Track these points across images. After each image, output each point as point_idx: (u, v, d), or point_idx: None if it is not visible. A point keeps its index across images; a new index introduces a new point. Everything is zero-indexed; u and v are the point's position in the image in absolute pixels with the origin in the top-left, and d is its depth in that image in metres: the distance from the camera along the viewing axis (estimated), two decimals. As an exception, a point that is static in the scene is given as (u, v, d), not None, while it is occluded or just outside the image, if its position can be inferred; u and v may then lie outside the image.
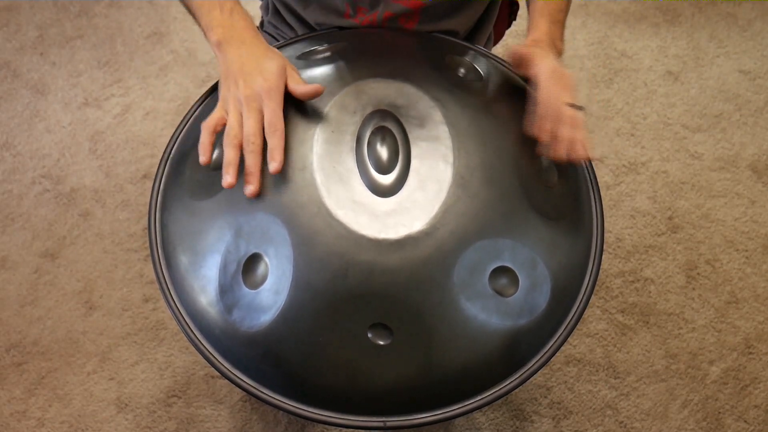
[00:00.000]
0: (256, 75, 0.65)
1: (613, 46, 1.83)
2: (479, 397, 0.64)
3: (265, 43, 0.70)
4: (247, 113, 0.63)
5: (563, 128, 0.68)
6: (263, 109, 0.63)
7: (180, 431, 1.28)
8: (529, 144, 0.70)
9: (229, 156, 0.63)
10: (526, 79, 0.74)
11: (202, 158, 0.64)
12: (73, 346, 1.36)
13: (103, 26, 1.85)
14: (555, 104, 0.69)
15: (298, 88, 0.66)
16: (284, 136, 0.63)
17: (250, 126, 0.63)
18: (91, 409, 1.30)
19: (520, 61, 0.74)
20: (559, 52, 0.76)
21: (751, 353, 1.37)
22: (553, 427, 1.29)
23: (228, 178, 0.62)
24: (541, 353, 0.66)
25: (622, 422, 1.30)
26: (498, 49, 1.00)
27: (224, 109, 0.65)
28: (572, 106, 0.69)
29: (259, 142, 0.63)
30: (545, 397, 1.32)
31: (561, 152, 0.69)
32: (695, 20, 1.90)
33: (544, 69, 0.70)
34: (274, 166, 0.63)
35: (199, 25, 0.72)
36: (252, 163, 0.62)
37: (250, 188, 0.63)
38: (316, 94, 0.66)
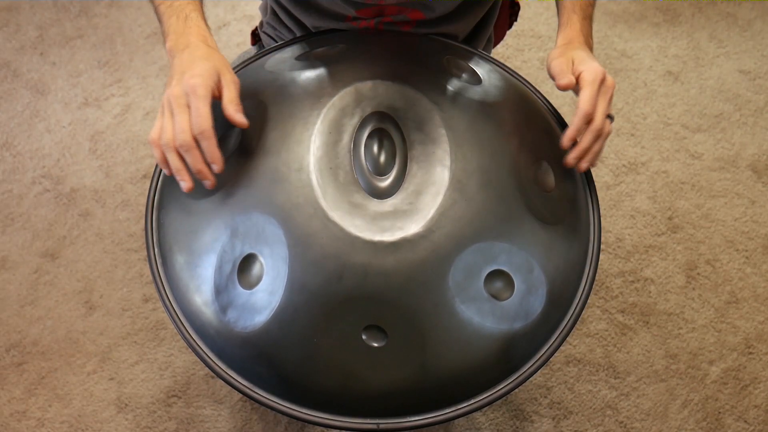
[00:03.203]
0: (186, 72, 0.62)
1: (613, 46, 1.83)
2: (473, 401, 0.64)
3: (210, 48, 0.67)
4: (175, 113, 0.61)
5: (587, 138, 0.68)
6: (190, 106, 0.61)
7: (180, 431, 1.28)
8: (526, 148, 0.70)
9: (173, 161, 0.61)
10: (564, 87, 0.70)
11: (166, 172, 0.63)
12: (73, 346, 1.36)
13: (103, 26, 1.85)
14: (597, 117, 0.68)
15: (230, 108, 0.63)
16: (214, 136, 0.61)
17: (178, 124, 0.60)
18: (91, 409, 1.30)
19: (561, 71, 0.70)
20: (591, 49, 0.75)
21: (751, 353, 1.37)
22: (553, 427, 1.29)
23: (183, 184, 0.62)
24: (536, 358, 0.66)
25: (622, 422, 1.30)
26: (498, 49, 1.00)
27: (161, 115, 0.64)
28: (608, 117, 0.69)
29: (189, 139, 0.60)
30: (545, 397, 1.32)
31: (571, 159, 0.69)
32: (695, 20, 1.90)
33: (589, 76, 0.68)
34: (215, 168, 0.61)
35: (162, 35, 0.71)
36: (191, 161, 0.61)
37: (206, 183, 0.62)
38: (239, 126, 0.63)
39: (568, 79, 0.69)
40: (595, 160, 0.70)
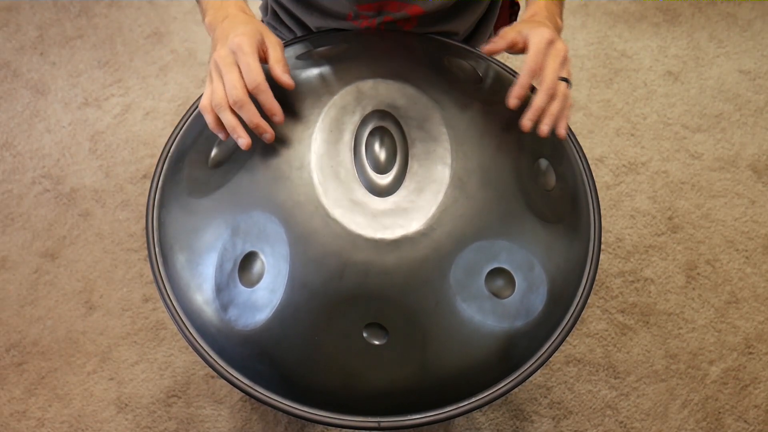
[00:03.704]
0: (230, 34, 0.63)
1: (613, 46, 1.83)
2: (474, 399, 0.64)
3: (249, 15, 0.68)
4: (224, 73, 0.61)
5: (539, 96, 0.65)
6: (239, 64, 0.61)
7: (180, 431, 1.28)
8: (527, 146, 0.70)
9: (227, 120, 0.61)
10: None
11: (221, 136, 0.63)
12: (73, 346, 1.36)
13: (103, 26, 1.85)
14: (546, 75, 0.66)
15: (277, 68, 0.63)
16: (269, 89, 0.61)
17: (230, 82, 0.60)
18: (91, 409, 1.30)
19: (514, 44, 0.70)
20: (558, 29, 0.73)
21: (751, 353, 1.37)
22: (553, 427, 1.29)
23: (241, 141, 0.61)
24: (537, 356, 0.66)
25: (622, 422, 1.30)
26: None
27: (209, 81, 0.64)
28: (562, 80, 0.67)
29: (243, 94, 0.60)
30: (545, 397, 1.32)
31: (525, 120, 0.66)
32: (695, 20, 1.90)
33: (536, 38, 0.67)
34: (276, 120, 0.62)
35: (201, 14, 0.72)
36: (248, 116, 0.61)
37: (266, 136, 0.62)
38: (287, 86, 0.64)
39: (492, 44, 0.70)
40: (558, 125, 0.66)
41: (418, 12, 0.81)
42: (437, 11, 0.83)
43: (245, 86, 0.61)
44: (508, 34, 0.70)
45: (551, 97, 0.66)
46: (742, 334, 1.39)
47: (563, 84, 0.67)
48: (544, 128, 0.66)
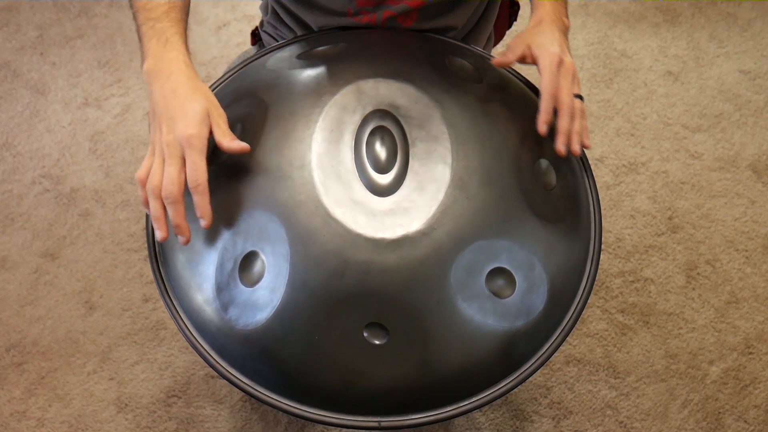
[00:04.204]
0: (179, 119, 0.61)
1: (613, 46, 1.83)
2: (474, 399, 0.64)
3: (192, 79, 0.66)
4: (167, 161, 0.61)
5: (562, 120, 0.69)
6: (185, 158, 0.61)
7: (180, 431, 1.28)
8: (527, 146, 0.70)
9: (153, 209, 0.61)
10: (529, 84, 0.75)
11: (147, 212, 0.63)
12: (73, 346, 1.36)
13: (103, 26, 1.85)
14: (563, 98, 0.70)
15: (225, 142, 0.62)
16: (207, 191, 0.60)
17: (169, 175, 0.60)
18: (91, 409, 1.30)
19: (523, 58, 0.74)
20: (566, 29, 0.76)
21: (751, 353, 1.37)
22: (553, 427, 1.29)
23: (158, 233, 0.62)
24: (538, 356, 0.66)
25: (622, 422, 1.30)
26: (498, 49, 1.00)
27: (151, 156, 0.63)
28: (576, 96, 0.71)
29: (177, 193, 0.60)
30: (545, 397, 1.32)
31: (559, 146, 0.70)
32: (695, 20, 1.90)
33: (546, 60, 0.71)
34: (202, 223, 0.61)
35: (140, 50, 0.69)
36: (173, 215, 0.61)
37: (181, 238, 0.62)
38: (243, 152, 0.63)
39: (502, 57, 0.74)
40: (585, 141, 0.71)
41: (418, 4, 0.81)
42: (437, 4, 0.83)
43: (183, 183, 0.60)
44: (518, 47, 0.74)
45: (572, 117, 0.70)
46: (742, 334, 1.39)
47: (578, 101, 0.71)
48: (576, 148, 0.71)
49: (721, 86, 1.77)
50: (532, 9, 0.78)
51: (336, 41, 0.80)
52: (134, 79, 1.75)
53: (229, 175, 0.65)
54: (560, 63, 0.70)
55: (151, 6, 0.69)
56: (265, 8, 0.98)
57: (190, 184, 0.60)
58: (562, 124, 0.70)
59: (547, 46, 0.72)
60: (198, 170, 0.60)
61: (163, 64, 0.65)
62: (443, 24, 0.86)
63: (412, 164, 0.65)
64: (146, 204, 0.62)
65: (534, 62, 0.72)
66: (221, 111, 0.65)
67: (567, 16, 0.78)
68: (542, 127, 0.70)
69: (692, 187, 1.58)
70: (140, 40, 0.69)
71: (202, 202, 0.60)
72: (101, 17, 1.87)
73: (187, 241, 0.62)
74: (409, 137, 0.67)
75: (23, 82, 1.74)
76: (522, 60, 0.74)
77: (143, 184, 0.62)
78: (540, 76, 0.71)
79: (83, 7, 1.89)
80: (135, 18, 0.71)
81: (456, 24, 0.88)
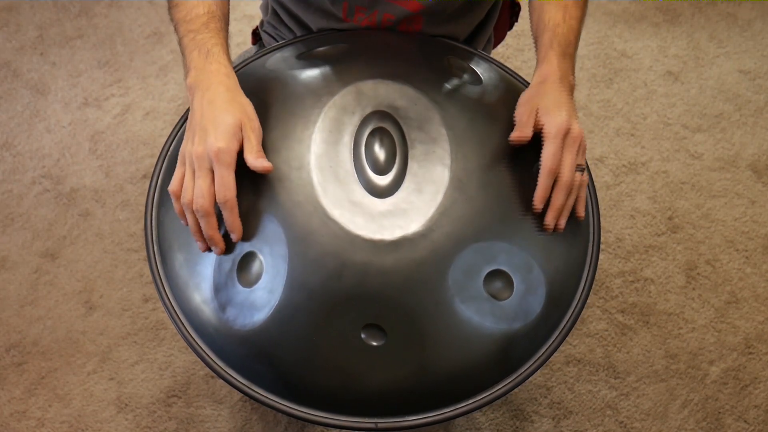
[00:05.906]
0: (210, 131, 0.62)
1: (613, 46, 1.83)
2: (472, 400, 0.64)
3: (232, 90, 0.66)
4: (197, 173, 0.62)
5: (557, 195, 0.65)
6: (215, 173, 0.61)
7: (180, 431, 1.28)
8: (525, 148, 0.70)
9: (190, 223, 0.63)
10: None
11: (184, 223, 0.65)
12: (73, 346, 1.36)
13: (103, 26, 1.85)
14: (563, 173, 0.65)
15: (250, 158, 0.62)
16: (236, 206, 0.61)
17: (199, 188, 0.61)
18: (91, 409, 1.30)
19: (520, 122, 0.69)
20: (571, 87, 0.71)
21: (751, 353, 1.37)
22: (553, 427, 1.29)
23: (199, 245, 0.64)
24: (535, 357, 0.66)
25: (622, 422, 1.30)
26: (498, 50, 1.00)
27: (182, 166, 0.64)
28: (579, 168, 0.67)
29: (209, 206, 0.61)
30: (545, 397, 1.32)
31: (548, 222, 0.66)
32: (695, 20, 1.90)
33: (552, 130, 0.66)
34: (233, 237, 0.62)
35: (184, 67, 0.70)
36: (206, 227, 0.62)
37: (216, 249, 0.63)
38: (265, 172, 0.63)
39: (519, 132, 0.67)
40: (580, 211, 0.68)
41: (417, 7, 0.80)
42: (442, 11, 0.82)
43: (213, 196, 0.61)
44: (529, 116, 0.68)
45: (568, 194, 0.66)
46: (742, 334, 1.39)
47: (578, 175, 0.67)
48: (562, 224, 0.67)
49: (721, 86, 1.76)
50: (538, 62, 0.73)
51: (336, 42, 0.80)
52: (134, 79, 1.75)
53: None
54: (567, 133, 0.66)
55: (190, 18, 0.70)
56: (265, 8, 0.98)
57: (218, 200, 0.61)
58: (556, 199, 0.65)
59: (554, 112, 0.66)
60: (226, 185, 0.60)
61: (204, 76, 0.66)
62: (448, 32, 0.85)
63: (411, 166, 0.65)
64: (182, 216, 0.64)
65: (539, 130, 0.68)
66: (256, 124, 0.65)
67: (573, 73, 0.73)
68: (538, 205, 0.65)
69: (692, 187, 1.58)
70: (182, 52, 0.70)
71: (231, 217, 0.61)
72: (101, 17, 1.87)
73: (222, 252, 0.63)
74: (408, 139, 0.67)
75: (23, 82, 1.74)
76: (537, 129, 0.68)
77: (177, 196, 0.63)
78: (543, 145, 0.66)
79: (83, 7, 1.89)
80: (176, 31, 0.71)
81: (457, 34, 0.87)
